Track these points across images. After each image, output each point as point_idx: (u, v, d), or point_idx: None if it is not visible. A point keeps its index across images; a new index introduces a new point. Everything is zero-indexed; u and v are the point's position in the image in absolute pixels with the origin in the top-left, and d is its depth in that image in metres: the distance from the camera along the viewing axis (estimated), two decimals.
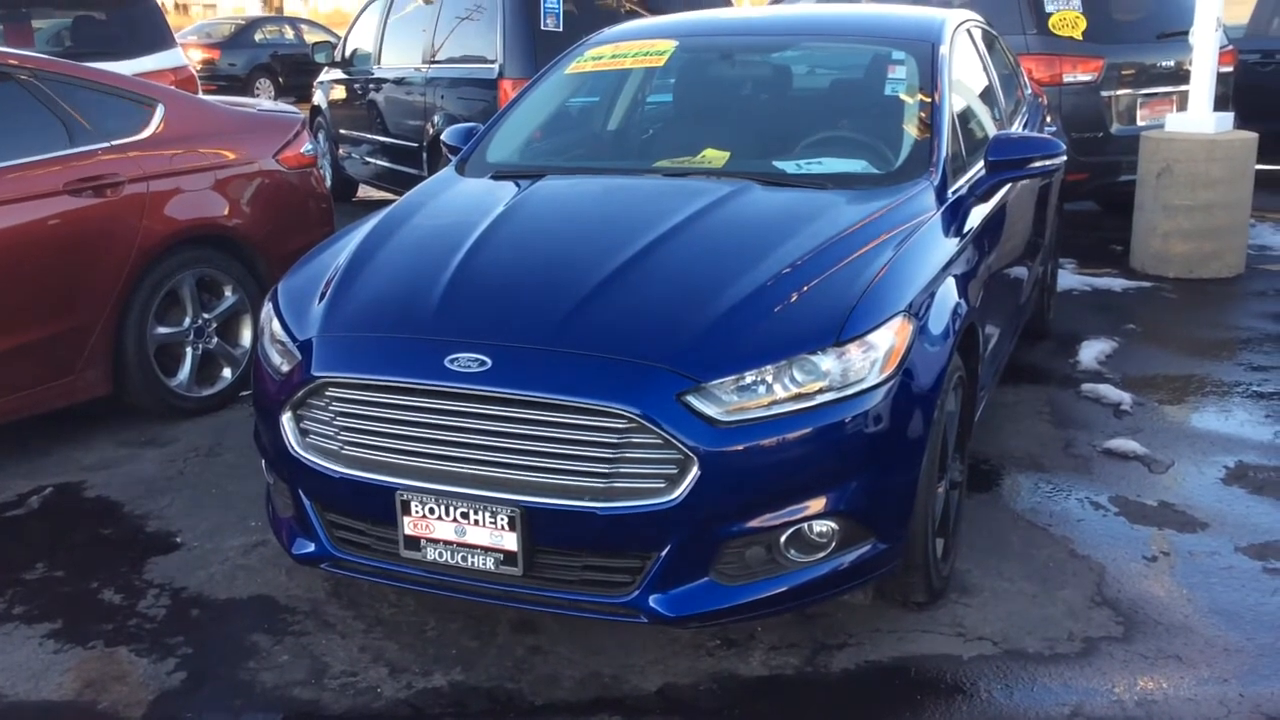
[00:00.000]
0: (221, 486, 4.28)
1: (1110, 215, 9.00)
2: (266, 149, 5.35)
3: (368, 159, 9.95)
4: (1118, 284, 7.11)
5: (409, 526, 2.87)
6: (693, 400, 2.72)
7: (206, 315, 5.00)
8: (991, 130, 4.46)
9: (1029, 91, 5.89)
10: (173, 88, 5.52)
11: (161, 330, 4.86)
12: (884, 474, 2.92)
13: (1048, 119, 6.10)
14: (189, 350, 4.98)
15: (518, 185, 3.81)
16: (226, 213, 5.08)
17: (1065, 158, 4.06)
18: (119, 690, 3.02)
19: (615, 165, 4.08)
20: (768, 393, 2.77)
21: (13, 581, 3.58)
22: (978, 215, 3.83)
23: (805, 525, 2.85)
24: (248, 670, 3.10)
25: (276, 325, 3.22)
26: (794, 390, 2.79)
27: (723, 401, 2.74)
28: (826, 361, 2.81)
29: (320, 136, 10.94)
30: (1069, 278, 7.28)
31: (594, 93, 4.66)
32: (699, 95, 4.65)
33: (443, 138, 4.54)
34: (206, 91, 21.30)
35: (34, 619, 3.36)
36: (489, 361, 2.81)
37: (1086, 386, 5.21)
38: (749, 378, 2.77)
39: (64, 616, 3.37)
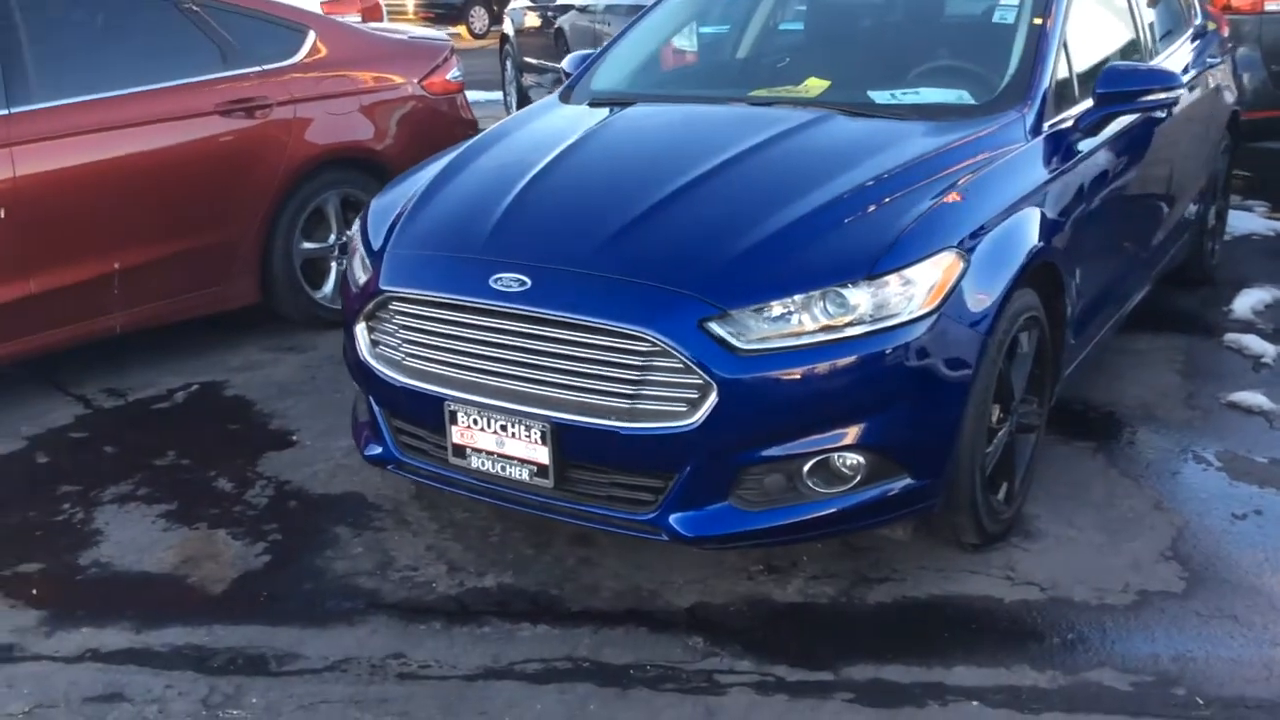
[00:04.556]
0: (345, 393, 4.55)
1: None
2: (412, 75, 5.59)
3: (553, 87, 10.17)
4: None
5: (456, 435, 3.05)
6: (715, 327, 2.77)
7: (350, 233, 5.30)
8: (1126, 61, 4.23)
9: (1200, 21, 5.50)
10: (321, 14, 5.80)
11: (307, 245, 5.20)
12: (919, 411, 2.90)
13: (1223, 50, 5.69)
14: (333, 265, 5.31)
15: (609, 112, 3.90)
16: (371, 136, 5.36)
17: (1181, 92, 3.82)
18: (209, 567, 3.34)
19: (709, 93, 4.09)
20: (795, 323, 2.79)
21: (144, 466, 3.98)
22: (1083, 150, 3.67)
23: (831, 457, 2.87)
24: (324, 558, 3.37)
25: (359, 240, 3.44)
26: (823, 322, 2.79)
27: (747, 329, 2.78)
28: (857, 294, 2.80)
29: (508, 64, 11.24)
30: (1255, 221, 6.82)
31: (704, 19, 4.66)
32: (810, 22, 4.60)
33: (562, 64, 4.67)
34: (422, 19, 22.11)
35: (154, 500, 3.74)
36: (529, 282, 2.93)
37: (1230, 336, 4.92)
38: (775, 307, 2.80)
39: (180, 499, 3.73)
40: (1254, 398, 4.26)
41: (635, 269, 2.90)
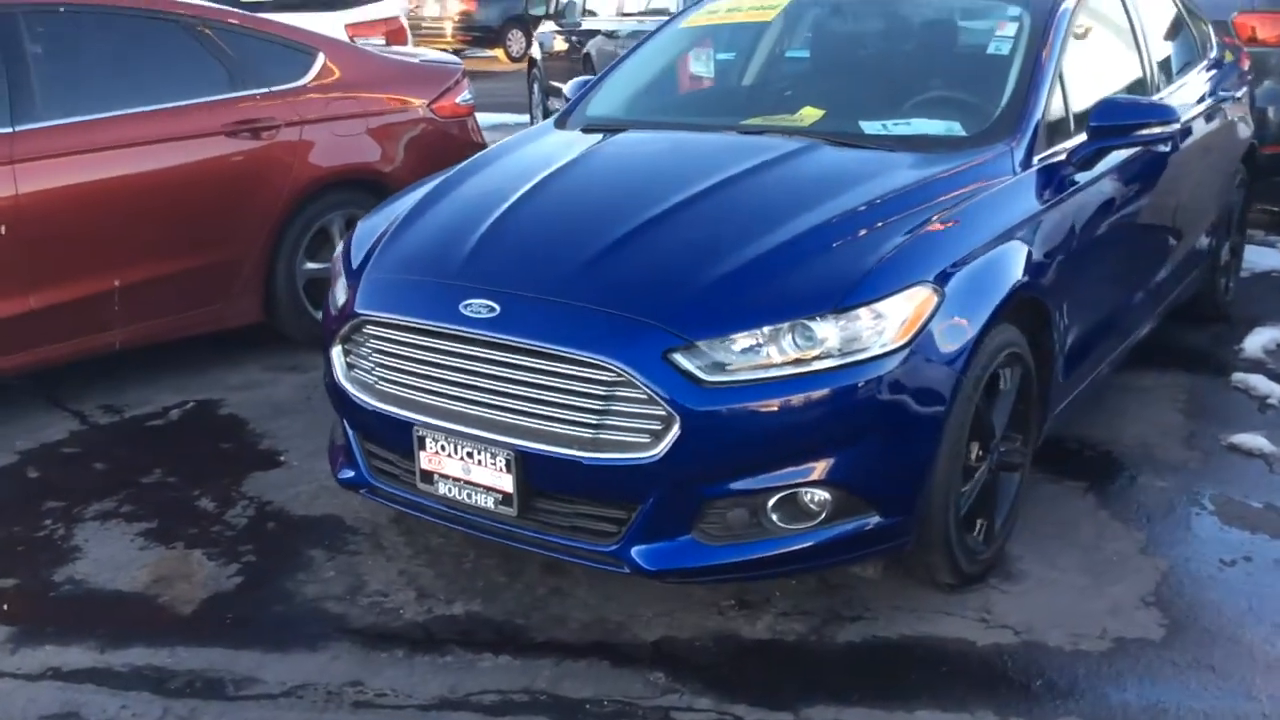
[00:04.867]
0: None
1: None
2: (422, 97, 5.63)
3: None
4: None
5: (424, 461, 3.04)
6: (680, 358, 2.74)
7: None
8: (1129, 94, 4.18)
9: (1215, 54, 5.43)
10: (333, 37, 5.84)
11: (311, 266, 5.22)
12: (889, 448, 2.86)
13: (1241, 82, 5.60)
14: None
15: (601, 139, 3.89)
16: (378, 158, 5.39)
17: (1177, 126, 3.76)
18: (181, 588, 3.34)
19: (703, 121, 4.08)
20: (762, 356, 2.76)
21: (131, 484, 4.00)
22: (1076, 183, 3.62)
23: (797, 492, 2.83)
24: (295, 581, 3.36)
25: (340, 262, 3.45)
26: (791, 355, 2.76)
27: (713, 361, 2.75)
28: (825, 328, 2.77)
29: (535, 87, 11.30)
30: (1275, 258, 6.70)
31: (702, 46, 4.66)
32: (814, 51, 4.58)
33: (564, 89, 4.67)
34: (461, 42, 22.25)
35: (135, 518, 3.75)
36: (498, 308, 2.92)
37: (1238, 376, 4.82)
38: (742, 339, 2.77)
39: (161, 518, 3.74)
40: (1255, 440, 4.16)
41: (603, 297, 2.88)
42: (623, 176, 3.60)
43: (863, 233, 3.00)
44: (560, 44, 10.94)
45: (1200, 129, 4.81)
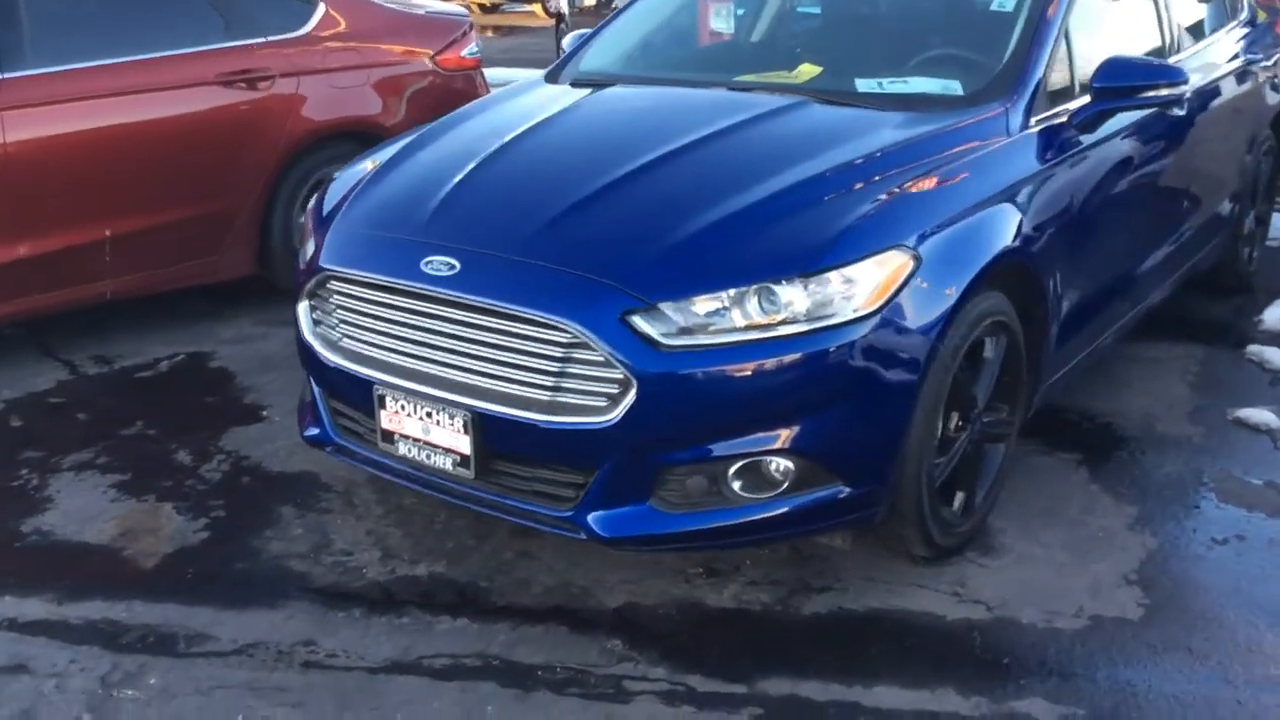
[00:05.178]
0: None
1: None
2: (426, 50, 5.53)
3: None
4: None
5: (385, 420, 2.97)
6: (638, 320, 2.65)
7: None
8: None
9: (1246, 14, 5.21)
10: None
11: None
12: (855, 416, 2.76)
13: (1275, 45, 5.39)
14: None
15: (589, 93, 3.78)
16: (379, 111, 5.31)
17: (1185, 89, 3.59)
18: (146, 541, 3.32)
19: (695, 77, 3.95)
20: (724, 320, 2.66)
21: (111, 435, 3.97)
22: (1077, 146, 3.48)
23: (758, 461, 2.74)
24: (262, 538, 3.33)
25: (311, 215, 3.38)
26: (755, 319, 2.66)
27: (672, 324, 2.66)
28: (790, 292, 2.67)
29: (563, 44, 11.15)
30: None
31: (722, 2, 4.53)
32: (825, 6, 4.43)
33: (563, 42, 4.56)
34: None
35: (111, 470, 3.73)
36: (458, 266, 2.84)
37: (1253, 348, 4.66)
38: (704, 301, 2.67)
39: (135, 470, 3.72)
40: (1262, 415, 4.02)
41: (563, 256, 2.79)
42: (599, 133, 3.50)
43: (838, 194, 2.89)
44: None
45: (1221, 92, 4.62)
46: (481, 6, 22.99)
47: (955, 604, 2.99)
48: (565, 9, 11.11)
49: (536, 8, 21.80)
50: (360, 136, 5.25)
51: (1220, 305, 5.25)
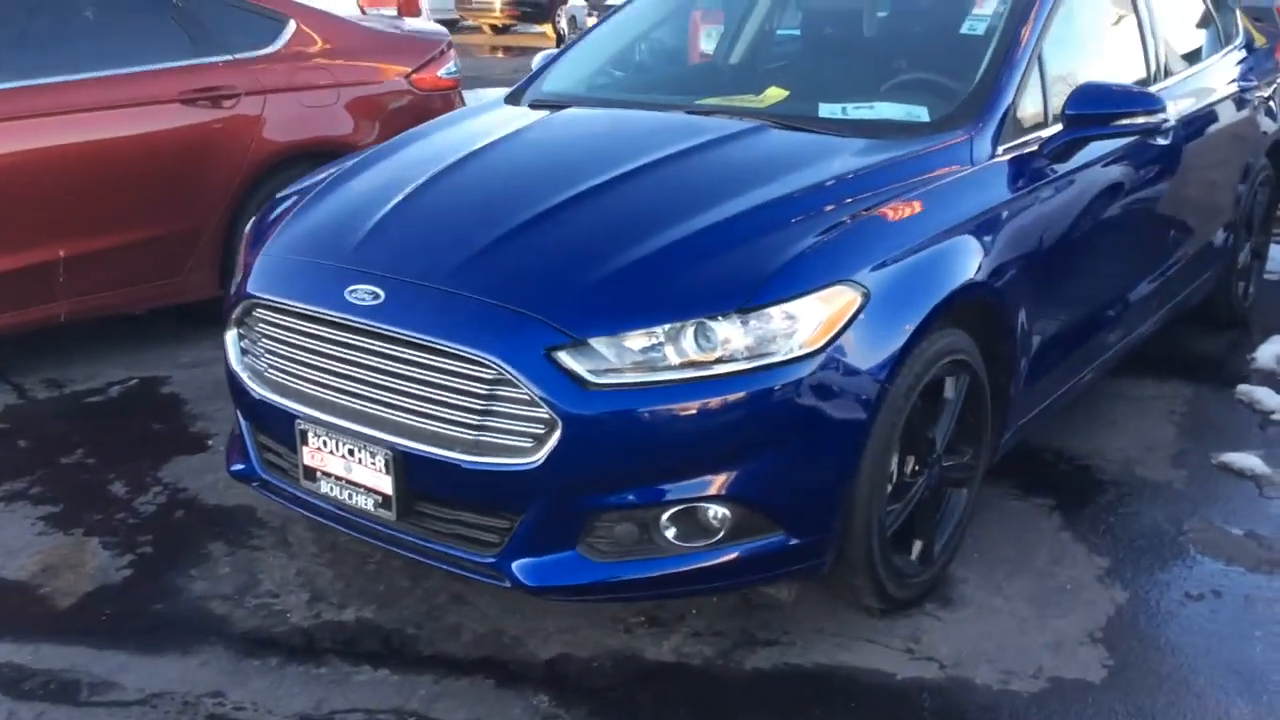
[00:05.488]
0: None
1: None
2: (400, 69, 5.41)
3: None
4: None
5: (307, 456, 2.83)
6: (564, 357, 2.50)
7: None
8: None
9: (1240, 41, 5.05)
10: (308, 4, 5.62)
11: None
12: (797, 462, 2.60)
13: (1273, 73, 5.22)
14: None
15: (543, 115, 3.65)
16: (349, 131, 5.19)
17: (1163, 116, 3.42)
18: (66, 578, 3.17)
19: (655, 99, 3.80)
20: (657, 357, 2.51)
21: (49, 463, 3.84)
22: (1048, 176, 3.32)
23: (692, 507, 2.58)
24: (186, 577, 3.18)
25: (245, 239, 3.24)
26: (690, 357, 2.51)
27: (601, 361, 2.50)
28: (727, 328, 2.51)
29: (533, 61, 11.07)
30: None
31: (671, 23, 4.39)
32: (802, 29, 4.30)
33: (532, 62, 4.44)
34: (509, 18, 22.03)
35: (42, 500, 3.59)
36: (382, 295, 2.69)
37: (1243, 388, 4.48)
38: (636, 338, 2.52)
39: (67, 502, 3.58)
40: (1248, 460, 3.84)
41: (491, 288, 2.64)
42: (546, 156, 3.35)
43: (783, 225, 2.73)
44: (592, 21, 10.69)
45: (1212, 119, 4.46)
46: (494, 28, 23.04)
47: (907, 661, 2.82)
48: (567, 30, 11.02)
49: (548, 29, 21.83)
50: (330, 156, 5.05)
51: (1213, 341, 5.08)
